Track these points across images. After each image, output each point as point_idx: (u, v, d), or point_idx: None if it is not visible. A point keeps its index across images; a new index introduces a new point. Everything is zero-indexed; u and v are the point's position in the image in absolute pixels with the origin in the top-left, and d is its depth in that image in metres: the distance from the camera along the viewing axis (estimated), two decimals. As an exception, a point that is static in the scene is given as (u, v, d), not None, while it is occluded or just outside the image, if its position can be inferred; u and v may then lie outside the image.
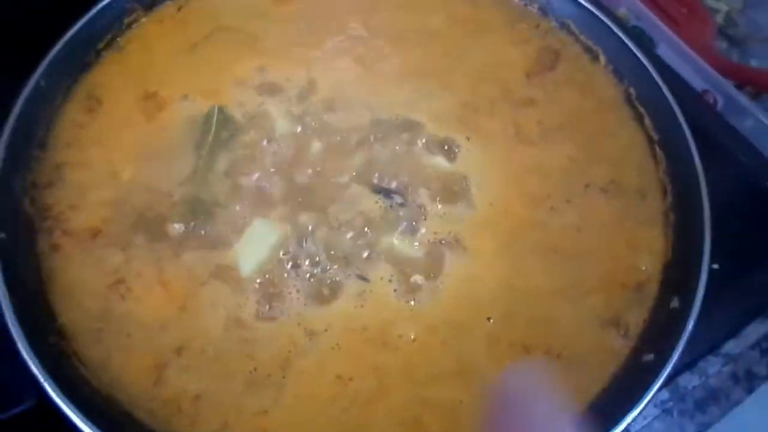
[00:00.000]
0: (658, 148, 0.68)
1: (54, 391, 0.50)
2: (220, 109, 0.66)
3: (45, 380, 0.50)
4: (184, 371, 0.55)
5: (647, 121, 0.70)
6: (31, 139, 0.63)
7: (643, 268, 0.62)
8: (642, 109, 0.70)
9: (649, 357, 0.55)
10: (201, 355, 0.55)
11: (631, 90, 0.72)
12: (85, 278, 0.58)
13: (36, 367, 0.50)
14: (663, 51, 0.89)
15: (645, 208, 0.65)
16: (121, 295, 0.57)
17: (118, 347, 0.55)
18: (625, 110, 0.72)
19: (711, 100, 0.85)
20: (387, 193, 0.63)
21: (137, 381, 0.54)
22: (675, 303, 0.58)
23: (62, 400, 0.49)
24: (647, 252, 0.63)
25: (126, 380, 0.54)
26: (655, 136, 0.69)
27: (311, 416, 0.53)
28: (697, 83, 0.86)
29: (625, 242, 0.63)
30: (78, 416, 0.49)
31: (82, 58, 0.69)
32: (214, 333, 0.56)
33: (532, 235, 0.63)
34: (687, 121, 0.67)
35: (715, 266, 0.64)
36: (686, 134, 0.66)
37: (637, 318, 0.59)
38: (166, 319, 0.57)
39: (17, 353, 0.51)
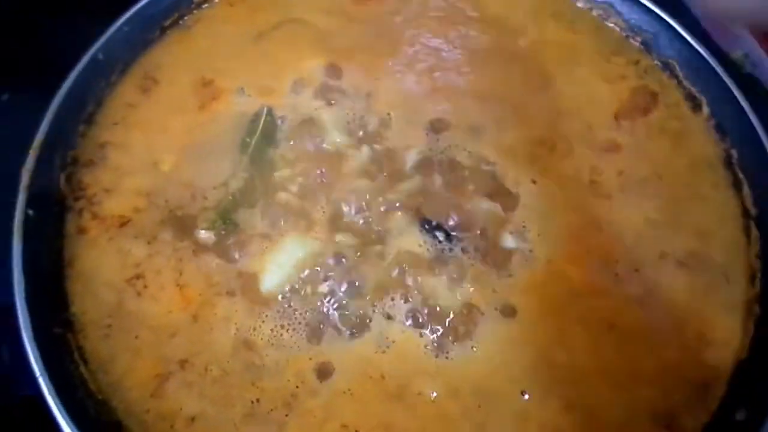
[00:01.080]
0: (753, 225, 0.59)
1: (48, 389, 0.47)
2: (269, 111, 0.62)
3: (41, 375, 0.48)
4: (185, 387, 0.51)
5: (746, 190, 0.61)
6: (80, 114, 0.61)
7: (712, 364, 0.54)
8: (742, 176, 0.61)
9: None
10: (205, 372, 0.52)
11: (734, 151, 0.63)
12: (106, 267, 0.56)
13: (35, 359, 0.48)
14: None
15: (726, 293, 0.57)
16: (137, 292, 0.55)
17: (125, 348, 0.53)
18: (723, 174, 0.63)
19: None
20: (435, 230, 0.57)
21: (137, 388, 0.51)
22: (741, 415, 0.50)
23: (56, 402, 0.47)
24: (720, 345, 0.54)
25: (126, 385, 0.51)
26: (753, 211, 0.60)
27: (307, 463, 0.49)
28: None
29: (695, 329, 0.55)
30: (67, 421, 0.46)
31: (145, 35, 0.67)
32: (222, 351, 0.52)
33: (587, 303, 0.56)
34: None
35: None
36: (790, 214, 0.56)
37: (695, 422, 0.51)
38: (177, 327, 0.53)
39: (19, 341, 0.49)
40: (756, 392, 0.51)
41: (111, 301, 0.54)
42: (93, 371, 0.51)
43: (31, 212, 0.55)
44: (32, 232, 0.54)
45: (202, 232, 0.56)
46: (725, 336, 0.55)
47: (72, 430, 0.46)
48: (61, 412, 0.47)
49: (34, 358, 0.48)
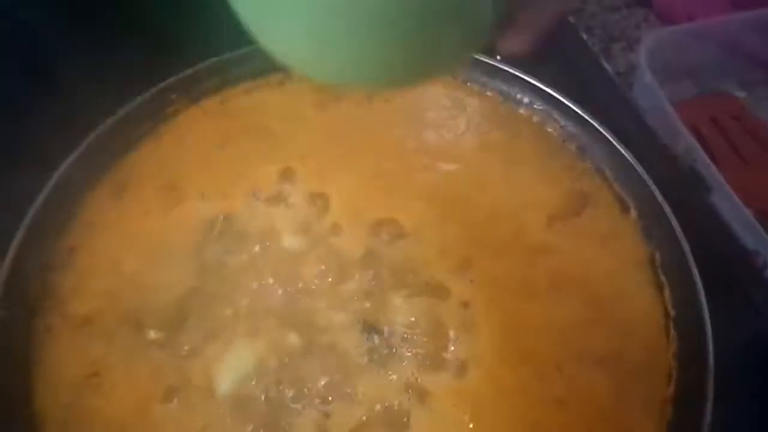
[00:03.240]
0: (672, 327, 0.63)
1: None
2: (226, 218, 0.67)
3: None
4: (130, 484, 0.55)
5: (667, 292, 0.65)
6: (53, 222, 0.67)
7: (626, 463, 0.57)
8: (663, 278, 0.65)
9: None
10: (150, 470, 0.56)
11: (657, 254, 0.67)
12: (67, 365, 0.61)
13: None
14: (716, 199, 0.83)
15: (642, 393, 0.60)
16: (92, 389, 0.59)
17: (79, 443, 0.57)
18: (648, 275, 0.67)
19: (761, 263, 0.78)
20: (373, 332, 0.62)
21: (87, 482, 0.56)
22: None
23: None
24: (634, 446, 0.58)
25: (78, 479, 0.56)
26: (672, 312, 0.64)
27: None
28: (748, 242, 0.79)
29: (612, 429, 0.58)
30: None
31: (120, 144, 0.73)
32: (167, 448, 0.57)
33: (512, 401, 0.59)
34: (720, 286, 0.62)
35: None
36: (704, 318, 0.60)
37: None
38: (126, 423, 0.58)
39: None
40: (664, 494, 0.54)
41: (69, 398, 0.59)
42: (48, 466, 0.56)
43: (4, 312, 0.60)
44: (3, 332, 0.59)
45: (151, 332, 0.61)
46: (640, 436, 0.58)
47: None
48: None
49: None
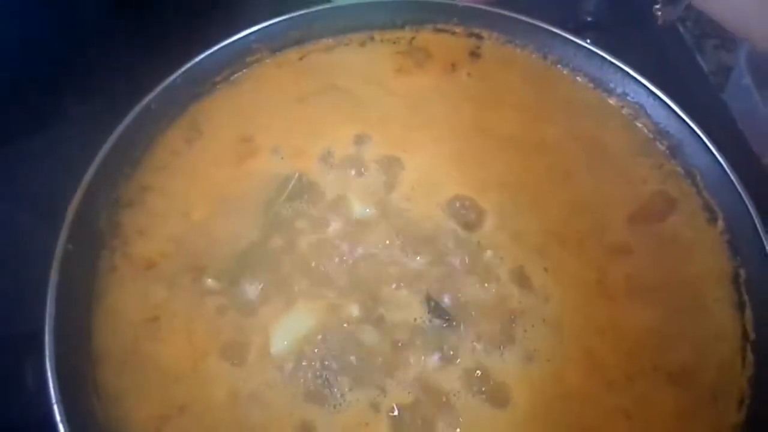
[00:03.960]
0: (750, 349, 0.60)
1: (61, 417, 0.52)
2: (300, 177, 0.66)
3: (56, 402, 0.53)
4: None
5: (748, 313, 0.61)
6: (127, 158, 0.67)
7: (687, 486, 0.55)
8: (746, 298, 0.62)
9: None
10: (199, 420, 0.56)
11: (742, 271, 0.63)
12: (128, 307, 0.61)
13: (54, 388, 0.53)
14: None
15: (712, 415, 0.57)
16: (151, 333, 0.59)
17: (135, 385, 0.57)
18: (729, 292, 0.63)
19: None
20: (438, 310, 0.60)
21: (139, 425, 0.56)
22: None
23: (64, 427, 0.52)
24: (698, 468, 0.56)
25: (131, 421, 0.56)
26: (752, 335, 0.60)
27: None
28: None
29: (676, 448, 0.56)
30: (74, 450, 0.51)
31: (196, 88, 0.71)
32: (216, 402, 0.56)
33: (577, 407, 0.57)
34: None
35: None
36: (787, 346, 0.57)
37: None
38: (181, 372, 0.58)
39: (42, 367, 0.54)
40: None
41: (128, 340, 0.59)
42: (103, 404, 0.56)
43: (71, 247, 0.60)
44: (68, 266, 0.59)
45: (214, 283, 0.61)
46: (705, 459, 0.56)
47: (78, 459, 0.51)
48: (69, 440, 0.51)
49: (53, 385, 0.53)
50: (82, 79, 0.82)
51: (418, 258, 0.63)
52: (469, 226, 0.65)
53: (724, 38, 1.04)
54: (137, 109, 0.67)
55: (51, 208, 0.62)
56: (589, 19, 0.93)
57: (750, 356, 0.59)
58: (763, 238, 0.62)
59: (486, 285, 0.62)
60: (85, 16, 0.79)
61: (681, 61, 0.89)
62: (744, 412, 0.57)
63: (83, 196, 0.62)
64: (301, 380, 0.58)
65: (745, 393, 0.58)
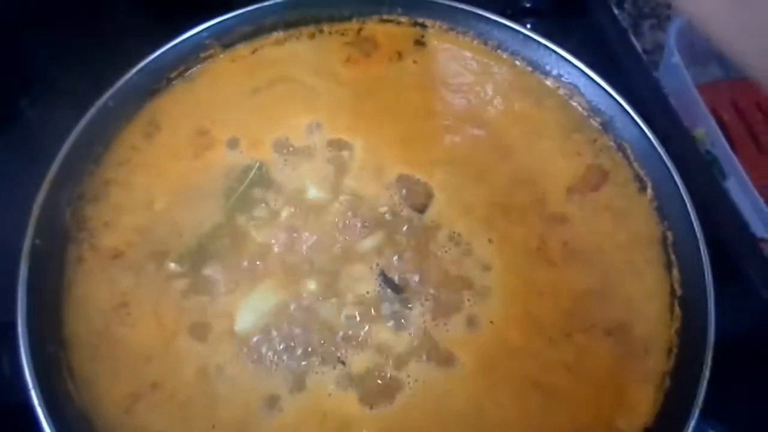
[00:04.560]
0: (677, 304, 0.66)
1: (38, 400, 0.55)
2: (260, 166, 0.69)
3: (33, 388, 0.56)
4: (153, 408, 0.59)
5: (675, 272, 0.67)
6: (89, 154, 0.69)
7: (622, 428, 0.60)
8: (673, 257, 0.68)
9: None
10: (171, 396, 0.59)
11: (669, 234, 0.69)
12: (97, 294, 0.64)
13: (30, 373, 0.56)
14: (731, 185, 0.85)
15: (644, 364, 0.63)
16: (121, 319, 0.62)
17: (107, 368, 0.61)
18: (658, 253, 0.69)
19: (767, 252, 0.80)
20: (390, 284, 0.65)
21: (113, 405, 0.59)
22: (638, 478, 0.56)
23: (43, 413, 0.55)
24: (631, 411, 0.61)
25: (105, 401, 0.59)
26: (679, 291, 0.66)
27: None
28: (757, 229, 0.81)
29: (612, 395, 0.62)
30: (51, 429, 0.54)
31: (153, 85, 0.74)
32: (186, 379, 0.60)
33: (519, 362, 0.62)
34: (727, 268, 0.64)
35: None
36: (709, 299, 0.63)
37: (598, 480, 0.58)
38: (151, 354, 0.61)
39: (18, 354, 0.57)
40: (654, 458, 0.57)
41: (99, 326, 0.62)
42: (78, 387, 0.59)
43: (38, 242, 0.63)
44: (37, 259, 0.62)
45: (178, 268, 0.64)
46: (638, 403, 0.61)
47: (56, 439, 0.54)
48: (47, 421, 0.55)
49: (29, 371, 0.56)
50: (37, 80, 0.84)
51: (371, 236, 0.68)
52: (417, 203, 0.69)
53: (660, 18, 1.11)
54: (96, 106, 0.69)
55: (16, 205, 0.64)
56: (528, 5, 0.97)
57: (677, 310, 0.65)
58: (687, 203, 0.68)
59: (434, 258, 0.67)
60: (36, 16, 0.81)
61: (616, 43, 0.94)
62: (672, 360, 0.63)
63: (48, 192, 0.64)
64: (266, 356, 0.62)
65: (673, 343, 0.64)
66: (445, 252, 0.67)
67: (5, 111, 0.85)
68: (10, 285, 0.60)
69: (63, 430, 0.55)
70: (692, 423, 0.57)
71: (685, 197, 0.68)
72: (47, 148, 0.67)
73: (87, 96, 0.69)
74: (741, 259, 0.73)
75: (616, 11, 1.01)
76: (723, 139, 0.85)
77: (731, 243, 0.73)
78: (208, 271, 0.65)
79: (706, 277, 0.64)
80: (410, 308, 0.64)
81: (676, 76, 0.93)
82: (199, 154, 0.71)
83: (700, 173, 0.79)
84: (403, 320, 0.63)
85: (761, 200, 0.81)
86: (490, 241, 0.68)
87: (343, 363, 0.61)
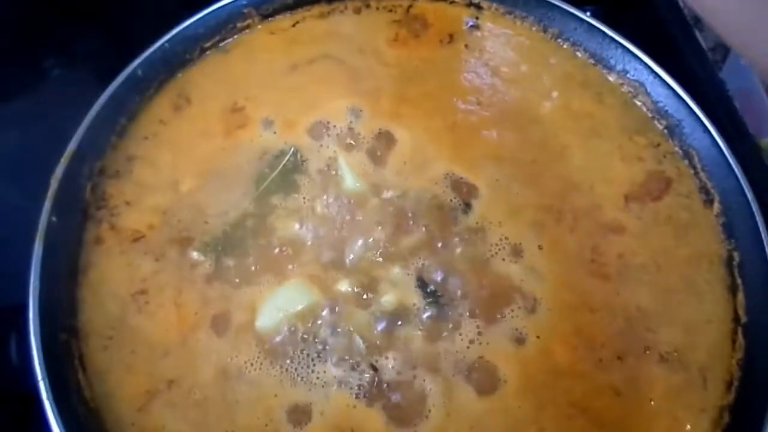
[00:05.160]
0: (740, 332, 0.60)
1: (47, 393, 0.51)
2: (295, 152, 0.64)
3: (42, 379, 0.52)
4: (169, 407, 0.55)
5: (740, 296, 0.61)
6: (113, 126, 0.65)
7: (674, 464, 0.55)
8: (740, 281, 0.62)
9: None
10: (188, 395, 0.55)
11: (736, 254, 0.63)
12: (115, 279, 0.59)
13: (39, 364, 0.52)
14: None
15: (701, 396, 0.58)
16: (138, 307, 0.58)
17: (121, 361, 0.56)
18: (721, 274, 0.63)
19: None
20: (429, 289, 0.60)
21: (126, 401, 0.55)
22: None
23: (51, 406, 0.51)
24: (685, 447, 0.56)
25: (117, 397, 0.55)
26: (743, 318, 0.60)
27: (271, 500, 0.52)
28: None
29: (664, 427, 0.56)
30: (59, 424, 0.50)
31: (185, 54, 0.69)
32: (205, 378, 0.56)
33: (566, 384, 0.57)
34: None
35: None
36: (779, 331, 0.57)
37: None
38: (170, 347, 0.57)
39: (27, 341, 0.53)
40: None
41: (115, 314, 0.58)
42: (89, 379, 0.55)
43: (54, 219, 0.58)
44: (53, 238, 0.58)
45: (198, 254, 0.60)
46: (692, 438, 0.56)
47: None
48: (54, 415, 0.50)
49: (38, 362, 0.52)
50: (64, 41, 0.79)
51: (410, 235, 0.62)
52: (461, 202, 0.64)
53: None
54: (124, 74, 0.65)
55: (34, 177, 0.60)
56: (586, -7, 0.90)
57: (741, 339, 0.60)
58: (759, 223, 0.62)
59: (478, 263, 0.62)
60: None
61: (680, 38, 0.87)
62: (733, 394, 0.58)
63: (68, 164, 0.60)
64: (290, 359, 0.57)
65: (735, 375, 0.58)
66: (491, 257, 0.62)
67: (28, 72, 0.80)
68: (24, 265, 0.56)
69: (71, 427, 0.51)
70: (754, 466, 0.52)
71: (756, 215, 0.62)
72: (69, 115, 0.62)
73: (116, 62, 0.64)
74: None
75: (680, 3, 0.94)
76: (793, 150, 0.78)
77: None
78: (233, 262, 0.60)
79: (776, 305, 0.58)
80: (449, 317, 0.59)
81: (743, 78, 0.86)
82: (230, 132, 0.66)
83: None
84: (440, 330, 0.58)
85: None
86: (540, 247, 0.62)
87: (375, 370, 0.57)
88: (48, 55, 0.76)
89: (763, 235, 0.61)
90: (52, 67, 0.79)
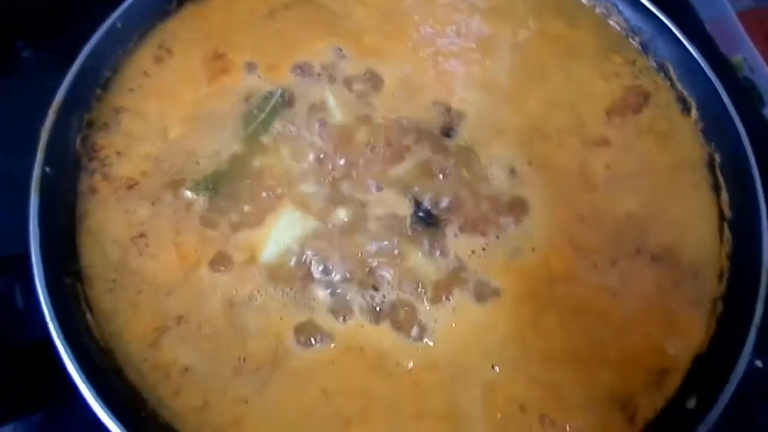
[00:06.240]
0: (727, 227, 0.62)
1: (56, 332, 0.52)
2: (283, 93, 0.65)
3: (51, 319, 0.52)
4: (179, 341, 0.55)
5: (724, 194, 0.63)
6: (97, 79, 0.65)
7: (672, 353, 0.57)
8: (722, 180, 0.64)
9: (647, 454, 0.52)
10: (197, 330, 0.56)
11: (717, 156, 0.65)
12: (113, 225, 0.60)
13: (46, 304, 0.52)
14: (773, 112, 0.81)
15: (694, 289, 0.60)
16: (139, 250, 0.59)
17: (127, 301, 0.57)
18: (704, 176, 0.65)
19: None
20: (423, 206, 0.61)
21: (136, 338, 0.56)
22: (692, 403, 0.54)
23: (62, 344, 0.51)
24: (681, 336, 0.58)
25: (127, 335, 0.56)
26: (728, 214, 0.63)
27: (287, 419, 0.53)
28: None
29: (660, 320, 0.59)
30: (73, 363, 0.51)
31: (163, 6, 0.69)
32: (212, 311, 0.56)
33: (564, 288, 0.59)
34: None
35: (759, 363, 0.59)
36: (763, 223, 0.59)
37: (649, 405, 0.55)
38: (174, 285, 0.57)
39: (32, 288, 0.53)
40: (708, 384, 0.54)
41: (116, 257, 0.58)
42: (97, 320, 0.56)
43: (48, 170, 0.58)
44: (48, 188, 0.58)
45: (189, 193, 0.60)
46: (688, 329, 0.58)
47: (77, 372, 0.50)
48: (67, 354, 0.51)
49: (45, 303, 0.52)
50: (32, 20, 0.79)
51: (402, 159, 0.64)
52: (448, 126, 0.65)
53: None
54: (103, 28, 0.64)
55: (25, 134, 0.60)
56: None
57: (728, 234, 0.62)
58: (737, 123, 0.64)
59: (470, 182, 0.63)
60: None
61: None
62: (724, 285, 0.60)
63: (56, 117, 0.60)
64: (293, 285, 0.58)
65: (725, 267, 0.61)
66: (482, 175, 0.63)
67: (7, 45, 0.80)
68: (21, 217, 0.56)
69: (85, 364, 0.51)
70: (749, 348, 0.54)
71: (733, 116, 0.64)
72: (55, 70, 0.62)
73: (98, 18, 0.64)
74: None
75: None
76: (764, 65, 0.81)
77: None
78: (227, 200, 0.61)
79: (758, 197, 0.60)
80: (446, 235, 0.60)
81: (714, 5, 0.88)
82: (214, 78, 0.67)
83: (739, 100, 0.75)
84: (439, 248, 0.60)
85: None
86: (529, 163, 0.64)
87: (376, 290, 0.58)
88: (21, 33, 0.76)
89: (741, 134, 0.63)
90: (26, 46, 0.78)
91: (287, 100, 0.65)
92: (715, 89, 0.66)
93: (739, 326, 0.56)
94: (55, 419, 0.60)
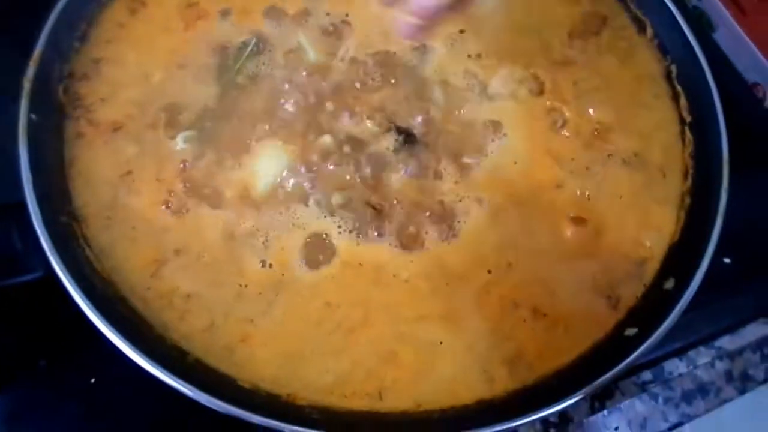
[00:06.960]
0: (688, 130, 0.67)
1: (58, 265, 0.53)
2: (257, 42, 0.67)
3: (52, 254, 0.53)
4: (180, 270, 0.57)
5: (683, 101, 0.68)
6: (74, 31, 0.65)
7: (648, 245, 0.61)
8: (680, 89, 0.69)
9: (632, 331, 0.56)
10: (197, 259, 0.57)
11: (673, 67, 0.70)
12: (102, 166, 0.61)
13: (46, 241, 0.53)
14: (720, 36, 0.86)
15: (663, 187, 0.64)
16: (128, 187, 0.60)
17: (124, 237, 0.58)
18: (663, 87, 0.70)
19: (760, 95, 0.82)
20: (407, 135, 0.64)
21: (137, 270, 0.57)
22: (670, 284, 0.58)
23: (65, 275, 0.52)
24: (656, 230, 0.62)
25: (127, 268, 0.57)
26: (688, 118, 0.67)
27: (295, 333, 0.56)
28: (750, 75, 0.83)
29: (635, 217, 0.63)
30: (77, 292, 0.52)
31: (131, -41, 0.70)
32: (210, 242, 0.58)
33: (545, 195, 0.63)
34: (726, 110, 0.65)
35: (727, 260, 0.64)
36: (719, 122, 0.64)
37: (630, 292, 0.59)
38: (168, 223, 0.59)
39: (31, 227, 0.54)
40: (683, 267, 0.58)
41: (108, 196, 0.59)
42: (97, 255, 0.57)
43: (34, 117, 0.59)
44: (36, 135, 0.58)
45: (182, 136, 0.62)
46: (661, 222, 0.63)
47: (83, 301, 0.51)
48: (72, 285, 0.52)
49: (45, 241, 0.53)
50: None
51: (379, 89, 0.66)
52: (423, 57, 0.68)
53: None
54: (76, -19, 0.65)
55: (6, 84, 0.60)
56: None
57: (689, 135, 0.66)
58: (687, 33, 0.68)
59: (448, 107, 0.66)
60: None
61: None
62: (690, 180, 0.64)
63: (37, 67, 0.60)
64: (292, 211, 0.60)
65: (689, 165, 0.65)
66: (459, 102, 0.66)
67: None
68: (9, 165, 0.57)
69: (88, 294, 0.52)
70: (716, 233, 0.59)
71: (684, 29, 0.69)
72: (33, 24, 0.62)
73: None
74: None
75: None
76: (709, -9, 0.86)
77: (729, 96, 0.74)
78: (215, 139, 0.62)
79: (715, 102, 0.65)
80: (429, 154, 0.63)
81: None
82: (190, 24, 0.68)
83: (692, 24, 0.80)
84: (424, 167, 0.63)
85: (751, 44, 0.82)
86: (502, 86, 0.67)
87: (374, 209, 0.60)
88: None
89: (693, 44, 0.68)
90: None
91: (258, 43, 0.67)
92: (666, 6, 0.70)
93: (708, 215, 0.60)
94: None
